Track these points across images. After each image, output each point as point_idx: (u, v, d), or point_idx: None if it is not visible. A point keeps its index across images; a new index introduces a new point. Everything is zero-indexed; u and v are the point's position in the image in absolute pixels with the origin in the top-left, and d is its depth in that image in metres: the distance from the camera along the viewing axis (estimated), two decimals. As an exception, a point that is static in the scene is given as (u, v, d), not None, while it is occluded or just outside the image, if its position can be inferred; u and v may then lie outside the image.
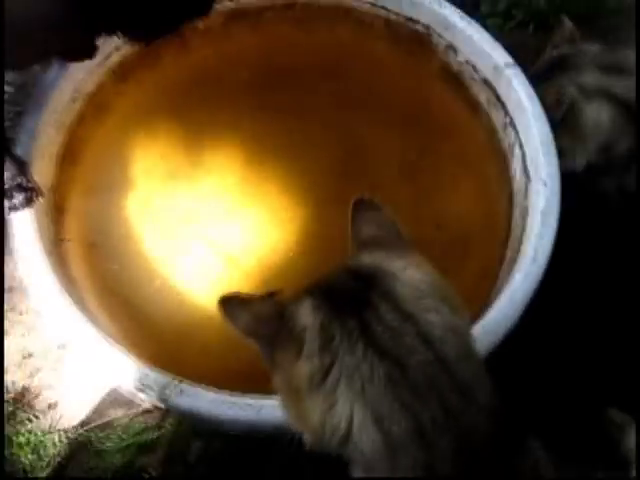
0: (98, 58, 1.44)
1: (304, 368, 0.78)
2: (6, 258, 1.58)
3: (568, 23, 1.60)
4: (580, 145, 1.45)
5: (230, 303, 0.85)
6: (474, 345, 0.83)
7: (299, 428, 0.84)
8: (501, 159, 1.50)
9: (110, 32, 1.23)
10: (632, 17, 1.94)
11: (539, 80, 1.46)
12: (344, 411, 0.77)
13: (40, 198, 1.35)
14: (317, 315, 0.80)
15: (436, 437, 0.76)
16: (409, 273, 0.83)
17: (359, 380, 0.77)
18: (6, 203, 1.34)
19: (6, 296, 1.55)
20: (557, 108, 1.42)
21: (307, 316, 0.80)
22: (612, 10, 1.97)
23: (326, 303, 0.80)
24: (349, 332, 0.78)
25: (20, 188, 1.33)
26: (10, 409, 1.43)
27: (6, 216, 1.34)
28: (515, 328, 1.22)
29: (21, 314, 1.54)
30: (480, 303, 1.29)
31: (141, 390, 1.20)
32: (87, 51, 1.28)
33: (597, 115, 1.42)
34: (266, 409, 1.13)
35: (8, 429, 1.41)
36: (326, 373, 0.78)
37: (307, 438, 0.83)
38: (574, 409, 1.37)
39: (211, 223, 1.50)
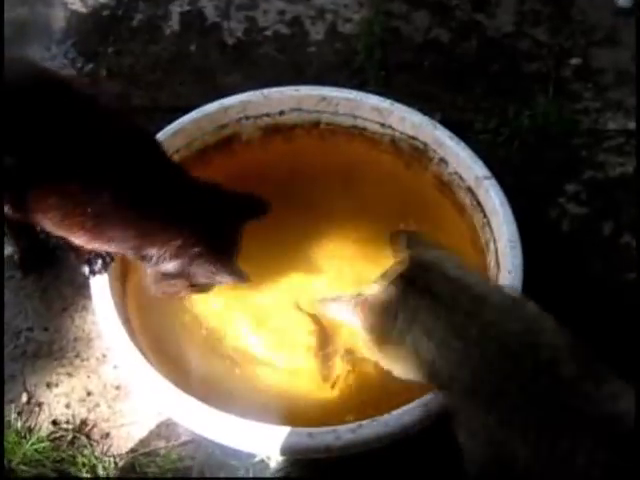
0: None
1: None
2: (73, 313, 1.92)
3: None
4: None
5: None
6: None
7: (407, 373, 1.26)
8: (480, 252, 1.80)
9: None
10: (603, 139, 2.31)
11: None
12: (423, 344, 1.19)
13: (113, 264, 1.69)
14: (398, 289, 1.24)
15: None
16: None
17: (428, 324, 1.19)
18: (86, 268, 1.69)
19: (72, 344, 1.88)
20: None
21: (390, 291, 1.23)
22: (586, 131, 2.30)
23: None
24: (419, 292, 1.20)
25: (98, 255, 1.68)
26: (71, 436, 1.74)
27: (88, 280, 1.68)
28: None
29: (84, 360, 1.86)
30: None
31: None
32: None
33: None
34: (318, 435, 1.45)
35: (70, 451, 1.71)
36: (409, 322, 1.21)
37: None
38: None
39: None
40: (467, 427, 1.21)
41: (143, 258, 1.54)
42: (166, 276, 1.55)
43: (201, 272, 1.55)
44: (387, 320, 1.26)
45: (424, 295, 1.23)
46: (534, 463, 1.10)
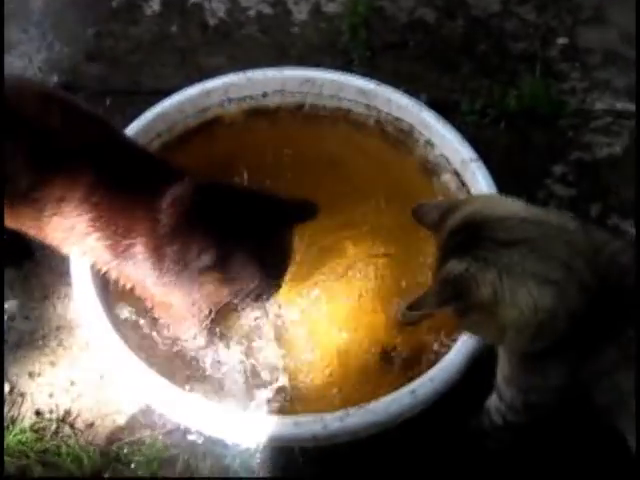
0: (143, 141, 1.79)
1: (485, 289, 1.14)
2: (55, 301, 1.89)
3: None
4: None
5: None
6: None
7: (503, 339, 1.21)
8: None
9: None
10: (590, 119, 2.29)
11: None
12: (522, 291, 1.13)
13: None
14: (464, 259, 1.17)
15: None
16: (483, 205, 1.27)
17: (516, 269, 1.14)
18: None
19: (54, 333, 1.84)
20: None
21: (459, 265, 1.16)
22: (573, 111, 2.28)
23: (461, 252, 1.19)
24: (489, 249, 1.16)
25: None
26: (55, 426, 1.72)
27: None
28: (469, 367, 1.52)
29: (67, 349, 1.82)
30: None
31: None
32: None
33: None
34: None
35: (55, 442, 1.68)
36: (499, 279, 1.14)
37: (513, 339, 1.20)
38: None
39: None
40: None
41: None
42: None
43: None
44: (471, 290, 1.18)
45: (495, 249, 1.17)
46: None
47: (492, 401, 1.46)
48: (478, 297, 1.16)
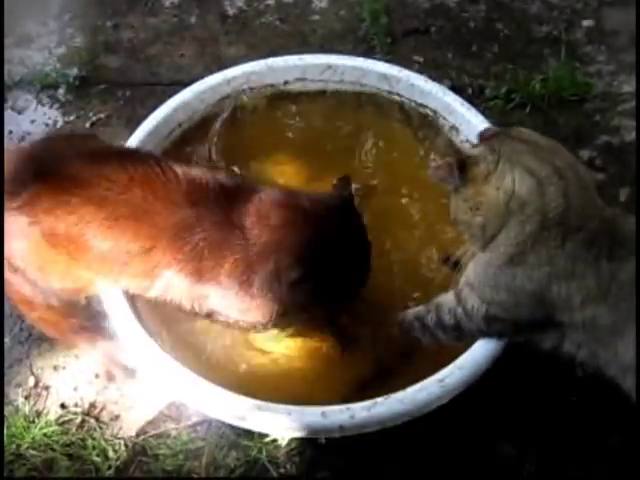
0: (164, 132, 1.78)
1: (483, 166, 1.26)
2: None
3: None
4: None
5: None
6: None
7: (471, 219, 1.30)
8: None
9: None
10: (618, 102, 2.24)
11: None
12: (509, 177, 1.24)
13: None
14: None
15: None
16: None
17: (514, 157, 1.25)
18: None
19: (79, 326, 1.84)
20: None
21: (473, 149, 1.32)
22: (599, 95, 2.24)
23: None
24: (502, 139, 1.29)
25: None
26: (80, 419, 1.71)
27: None
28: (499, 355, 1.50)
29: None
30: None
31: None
32: None
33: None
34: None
35: (80, 435, 1.68)
36: (496, 162, 1.25)
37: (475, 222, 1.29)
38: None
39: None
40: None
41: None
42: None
43: None
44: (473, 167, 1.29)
45: (507, 139, 1.30)
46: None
47: (447, 301, 1.46)
48: (475, 172, 1.27)
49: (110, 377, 1.76)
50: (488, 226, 1.29)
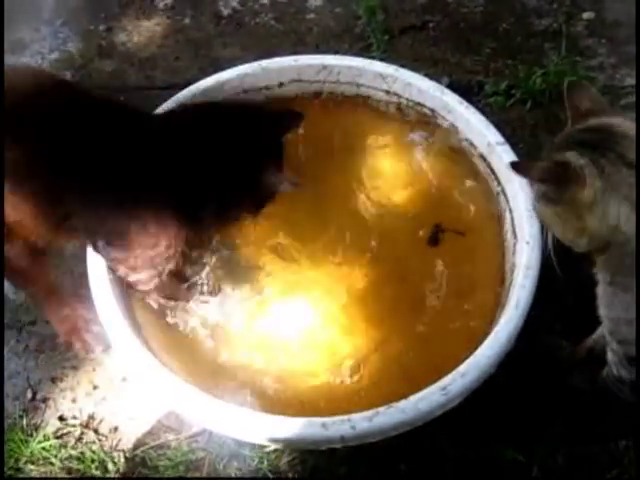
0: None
1: (588, 192, 1.20)
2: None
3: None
4: None
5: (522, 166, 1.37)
6: None
7: (573, 239, 1.30)
8: (496, 222, 1.73)
9: None
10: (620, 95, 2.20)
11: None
12: (614, 211, 1.20)
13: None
14: (584, 157, 1.22)
15: None
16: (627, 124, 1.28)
17: (623, 190, 1.20)
18: None
19: (77, 337, 1.81)
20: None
21: (579, 159, 1.22)
22: (602, 88, 2.16)
23: (584, 149, 1.24)
24: (612, 162, 1.21)
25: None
26: (78, 431, 1.68)
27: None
28: (502, 360, 1.46)
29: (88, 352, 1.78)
30: (477, 339, 1.51)
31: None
32: None
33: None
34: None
35: (79, 448, 1.65)
36: (603, 191, 1.20)
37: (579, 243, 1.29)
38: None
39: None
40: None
41: None
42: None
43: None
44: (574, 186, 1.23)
45: (618, 164, 1.23)
46: None
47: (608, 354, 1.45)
48: (577, 195, 1.22)
49: (68, 347, 1.76)
50: (588, 242, 1.29)
